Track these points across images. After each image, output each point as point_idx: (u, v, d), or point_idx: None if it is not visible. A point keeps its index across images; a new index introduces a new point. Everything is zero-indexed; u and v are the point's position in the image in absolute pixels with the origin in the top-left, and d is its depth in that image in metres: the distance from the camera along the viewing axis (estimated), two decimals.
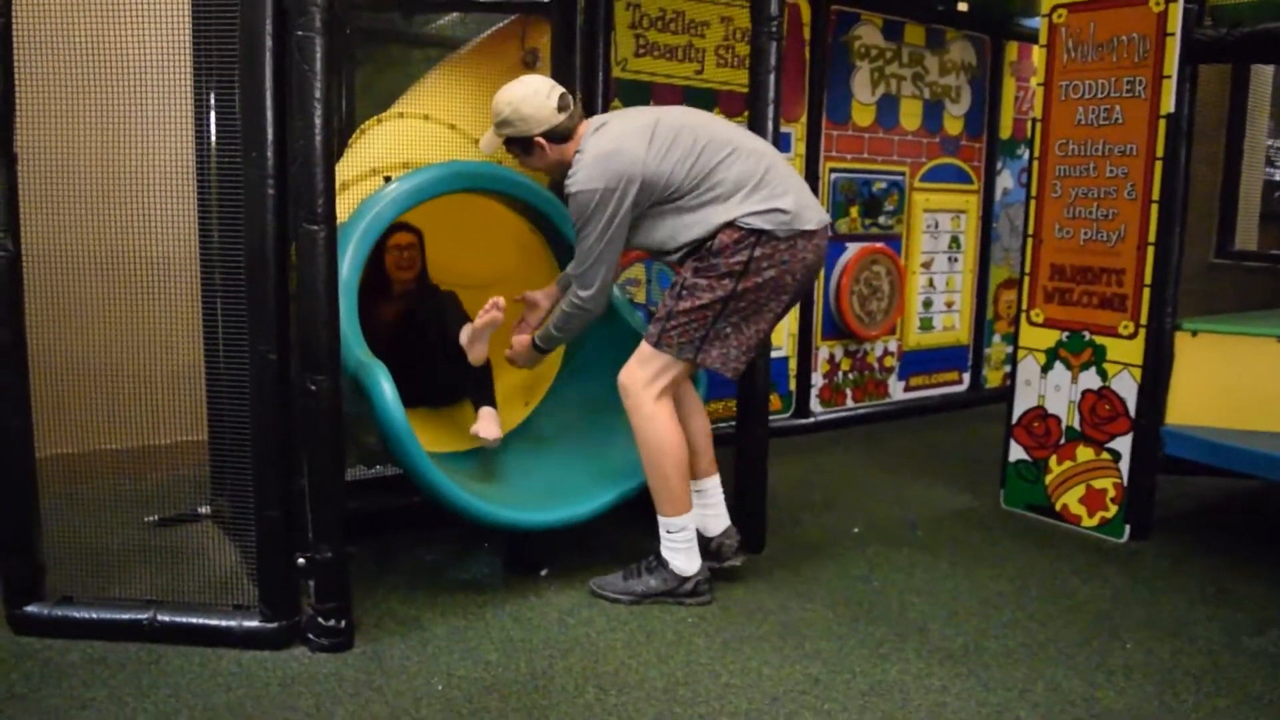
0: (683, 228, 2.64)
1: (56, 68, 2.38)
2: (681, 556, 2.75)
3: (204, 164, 2.82)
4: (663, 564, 2.76)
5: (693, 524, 2.78)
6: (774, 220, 2.59)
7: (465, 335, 2.96)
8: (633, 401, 2.68)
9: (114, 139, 2.48)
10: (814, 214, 2.67)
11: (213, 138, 2.72)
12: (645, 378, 2.68)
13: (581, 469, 3.05)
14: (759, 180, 2.61)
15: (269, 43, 2.24)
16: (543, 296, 3.01)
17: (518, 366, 3.02)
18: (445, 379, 3.18)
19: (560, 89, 2.69)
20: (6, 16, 2.25)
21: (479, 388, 3.12)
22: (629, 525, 3.03)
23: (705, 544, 2.86)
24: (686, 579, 2.75)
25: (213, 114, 2.74)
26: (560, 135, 2.67)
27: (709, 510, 2.92)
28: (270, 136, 2.26)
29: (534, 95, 2.64)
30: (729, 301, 2.62)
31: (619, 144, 2.59)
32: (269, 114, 2.26)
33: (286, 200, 2.30)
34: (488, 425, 3.01)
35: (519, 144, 2.70)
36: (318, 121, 2.24)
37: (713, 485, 2.95)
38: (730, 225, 2.59)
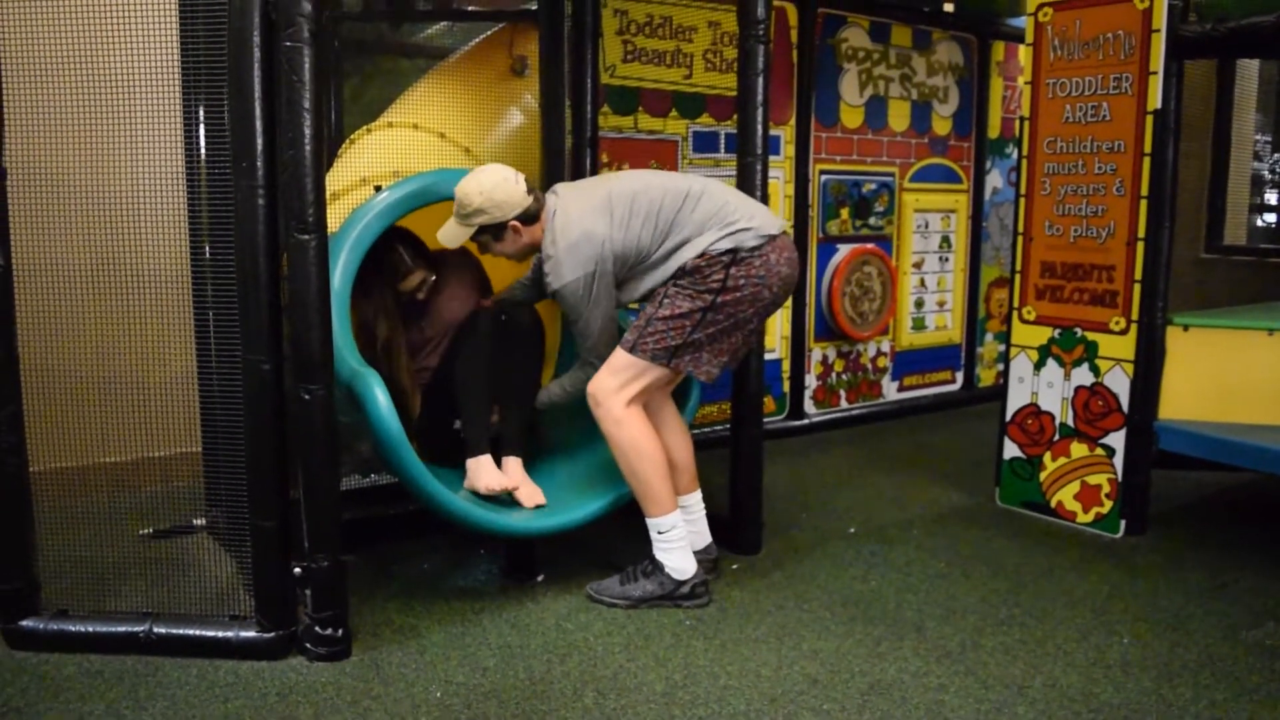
0: (659, 275, 2.72)
1: (45, 81, 2.38)
2: (675, 556, 2.76)
3: (194, 175, 2.82)
4: (658, 567, 2.76)
5: (682, 522, 2.78)
6: (738, 239, 2.66)
7: None
8: (602, 410, 2.70)
9: (104, 152, 2.48)
10: (776, 222, 2.75)
11: (202, 149, 2.72)
12: (614, 385, 2.70)
13: (576, 475, 3.05)
14: (718, 213, 2.69)
15: (257, 54, 2.24)
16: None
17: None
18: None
19: (521, 174, 2.75)
20: None
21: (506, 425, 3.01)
22: (625, 531, 3.03)
23: None
24: (683, 581, 2.75)
25: (202, 125, 2.74)
26: (531, 217, 2.73)
27: (691, 526, 2.93)
28: (260, 147, 2.27)
29: (503, 182, 2.70)
30: (707, 313, 2.67)
31: (584, 228, 2.65)
32: (258, 125, 2.26)
33: (277, 210, 2.30)
34: (527, 489, 2.88)
35: (491, 231, 2.72)
36: (307, 131, 2.24)
37: (694, 501, 2.96)
38: (700, 255, 2.66)
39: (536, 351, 3.09)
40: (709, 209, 2.69)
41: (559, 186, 2.84)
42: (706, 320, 2.67)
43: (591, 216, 2.67)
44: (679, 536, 2.76)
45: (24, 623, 2.45)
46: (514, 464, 2.93)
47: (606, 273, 2.67)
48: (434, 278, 3.09)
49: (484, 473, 2.86)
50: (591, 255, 2.64)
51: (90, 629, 2.44)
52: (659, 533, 2.76)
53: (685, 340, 2.67)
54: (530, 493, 2.87)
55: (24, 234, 2.37)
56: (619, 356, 2.71)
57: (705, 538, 2.97)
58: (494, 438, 2.95)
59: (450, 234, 2.77)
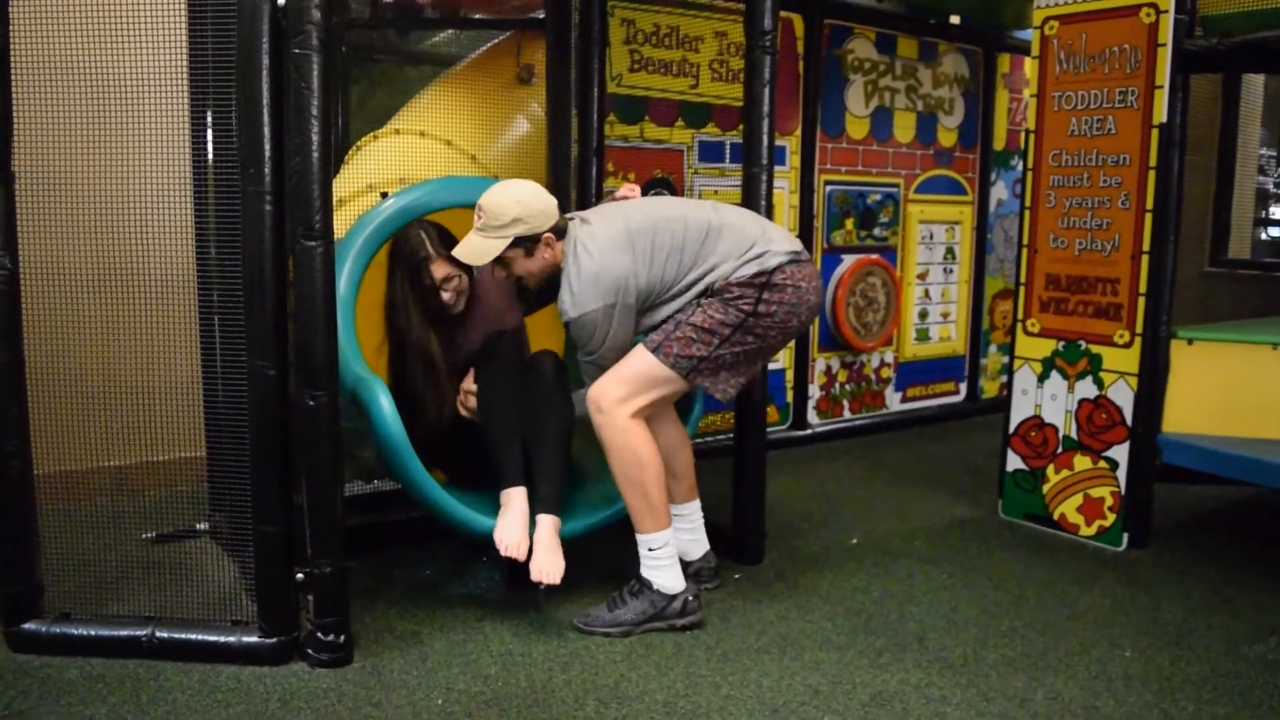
0: (681, 301, 2.67)
1: (54, 86, 2.40)
2: (664, 574, 2.69)
3: (201, 180, 2.83)
4: (645, 585, 2.69)
5: (673, 540, 2.73)
6: (761, 262, 2.64)
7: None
8: (605, 417, 2.61)
9: (112, 156, 2.49)
10: (794, 243, 2.73)
11: (210, 154, 2.73)
12: (621, 395, 2.62)
13: (580, 483, 3.05)
14: (738, 243, 2.66)
15: (266, 60, 2.25)
16: None
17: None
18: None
19: None
20: (4, 35, 2.26)
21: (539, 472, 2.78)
22: (627, 538, 3.03)
23: (684, 568, 2.81)
24: (673, 597, 2.68)
25: (210, 131, 2.74)
26: (561, 231, 2.67)
27: (689, 535, 2.92)
28: (268, 153, 2.27)
29: (537, 192, 2.66)
30: (737, 330, 2.63)
31: (604, 261, 2.58)
32: (266, 131, 2.27)
33: (284, 216, 2.31)
34: (547, 559, 2.64)
35: (525, 245, 2.63)
36: (315, 138, 2.25)
37: (693, 509, 2.95)
38: (726, 282, 2.63)
39: (565, 394, 2.85)
40: (732, 241, 2.65)
41: (576, 215, 2.77)
42: (734, 339, 2.63)
43: (614, 251, 2.60)
44: (669, 555, 2.70)
45: (26, 626, 2.45)
46: (548, 526, 2.71)
47: (629, 306, 2.61)
48: (467, 282, 2.93)
49: (512, 516, 2.69)
50: (612, 287, 2.58)
51: (92, 633, 2.44)
52: (650, 549, 2.69)
53: (710, 355, 2.63)
54: (546, 568, 2.64)
55: (31, 238, 2.38)
56: (633, 363, 2.64)
57: (703, 545, 2.96)
58: (529, 485, 2.78)
59: (478, 249, 2.63)
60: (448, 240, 2.86)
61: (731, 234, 2.67)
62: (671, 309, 2.68)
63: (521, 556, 2.64)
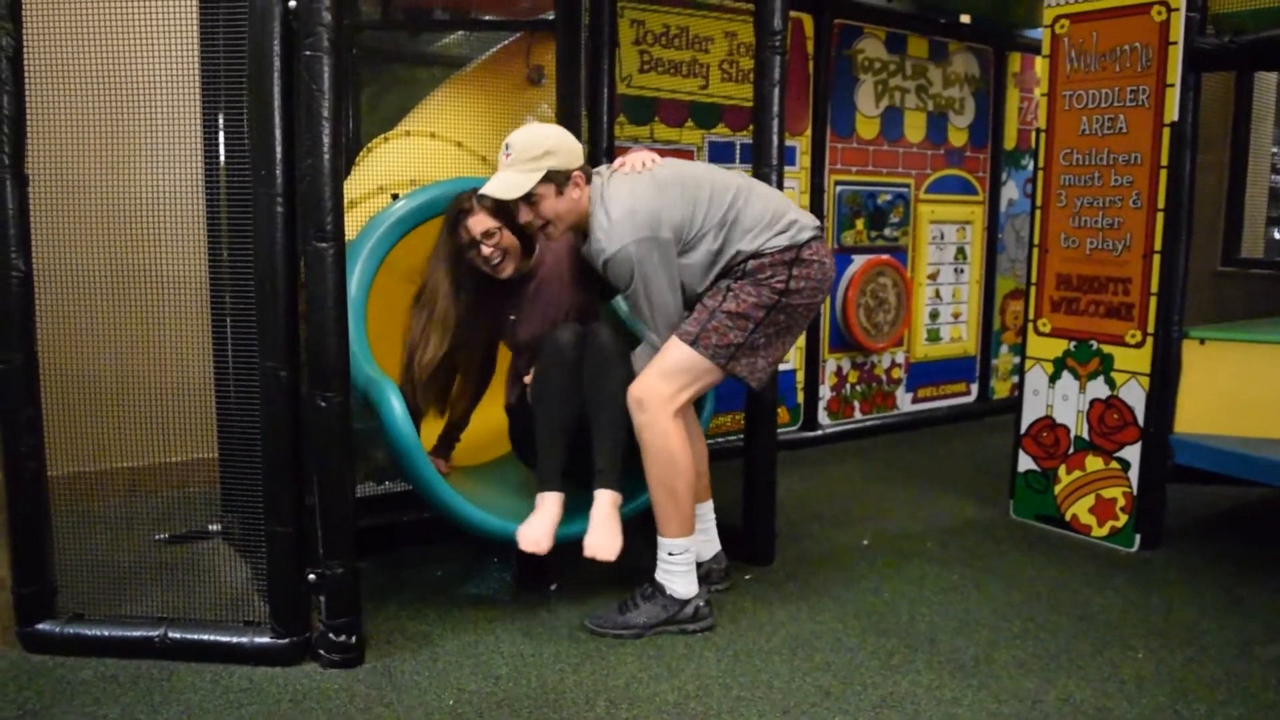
0: (713, 273, 2.66)
1: (67, 89, 2.41)
2: (679, 580, 2.68)
3: (213, 183, 2.84)
4: (659, 590, 2.68)
5: (694, 546, 2.72)
6: (792, 235, 2.64)
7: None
8: (649, 416, 2.59)
9: (124, 159, 2.50)
10: (815, 220, 2.74)
11: (222, 157, 2.74)
12: (667, 393, 2.60)
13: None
14: (766, 211, 2.66)
15: (277, 63, 2.26)
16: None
17: None
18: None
19: None
20: (17, 38, 2.28)
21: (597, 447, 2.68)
22: (639, 540, 3.03)
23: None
24: (686, 603, 2.68)
25: (221, 133, 2.76)
26: (589, 176, 2.66)
27: (701, 535, 2.91)
28: (279, 155, 2.28)
29: (565, 132, 2.66)
30: (771, 311, 2.62)
31: (636, 199, 2.57)
32: (277, 133, 2.28)
33: (295, 218, 2.32)
34: (602, 536, 2.60)
35: (557, 180, 2.59)
36: (326, 140, 2.26)
37: (706, 510, 2.95)
38: (756, 255, 2.62)
39: (625, 361, 2.71)
40: (760, 207, 2.65)
41: (598, 169, 2.75)
42: (768, 320, 2.63)
43: (644, 193, 2.59)
44: (688, 561, 2.69)
45: (41, 626, 2.47)
46: (606, 502, 2.65)
47: (666, 241, 2.56)
48: (512, 240, 2.77)
49: (541, 516, 2.65)
50: (646, 221, 2.54)
51: (106, 633, 2.46)
52: (669, 554, 2.68)
53: (746, 340, 2.62)
54: (600, 545, 2.61)
55: (45, 240, 2.39)
56: (673, 357, 2.61)
57: (715, 546, 2.97)
58: (588, 462, 2.69)
59: (508, 182, 2.57)
60: (501, 204, 2.71)
61: (760, 201, 2.67)
62: (703, 282, 2.66)
63: (541, 551, 2.61)
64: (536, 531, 2.63)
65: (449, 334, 2.78)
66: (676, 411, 2.62)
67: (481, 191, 2.64)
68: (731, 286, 2.63)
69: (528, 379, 2.80)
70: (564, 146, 2.61)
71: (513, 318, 2.90)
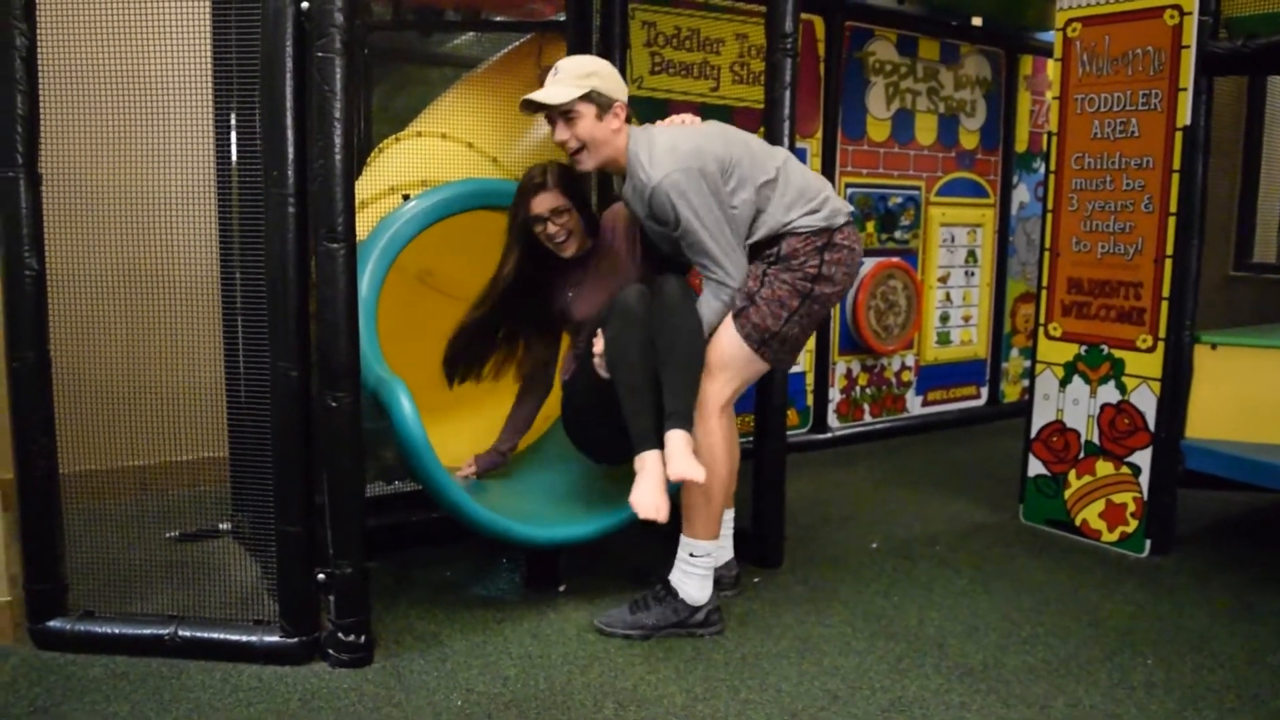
0: (748, 224, 2.63)
1: (80, 88, 2.42)
2: (694, 584, 2.66)
3: (225, 183, 2.85)
4: (671, 593, 2.67)
5: (716, 552, 2.72)
6: (828, 217, 2.63)
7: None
8: (696, 413, 2.57)
9: (137, 159, 2.51)
10: (848, 204, 2.74)
11: (234, 157, 2.75)
12: (714, 391, 2.61)
13: (601, 484, 3.05)
14: (816, 194, 2.65)
15: (289, 64, 2.27)
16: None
17: None
18: None
19: None
20: (31, 38, 2.29)
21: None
22: (648, 541, 3.04)
23: None
24: (698, 609, 2.67)
25: (234, 134, 2.77)
26: (628, 116, 2.68)
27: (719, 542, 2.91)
28: (291, 155, 2.29)
29: (612, 66, 2.70)
30: (805, 300, 2.61)
31: (677, 140, 2.59)
32: (289, 133, 2.29)
33: (307, 218, 2.32)
34: (681, 461, 2.46)
35: (600, 104, 2.58)
36: (338, 140, 2.26)
37: (728, 517, 2.94)
38: (790, 233, 2.61)
39: (690, 304, 2.60)
40: (799, 180, 2.65)
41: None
42: (802, 310, 2.62)
43: (685, 133, 2.62)
44: (706, 566, 2.67)
45: (51, 623, 2.48)
46: (679, 440, 2.48)
47: (711, 173, 2.53)
48: (579, 223, 2.79)
49: (646, 480, 2.50)
50: (690, 153, 2.53)
51: (116, 630, 2.47)
52: (691, 554, 2.66)
53: (780, 328, 2.60)
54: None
55: (57, 239, 2.41)
56: (718, 348, 2.61)
57: (728, 554, 2.96)
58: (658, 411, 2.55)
59: (556, 91, 2.57)
60: (573, 184, 2.77)
61: (799, 174, 2.68)
62: (744, 217, 2.61)
63: (662, 518, 2.47)
64: (651, 496, 2.48)
65: (501, 290, 2.83)
66: (722, 408, 2.64)
67: (530, 96, 2.61)
68: (767, 273, 2.62)
69: (598, 348, 2.68)
70: (610, 74, 2.65)
71: (570, 294, 2.91)
